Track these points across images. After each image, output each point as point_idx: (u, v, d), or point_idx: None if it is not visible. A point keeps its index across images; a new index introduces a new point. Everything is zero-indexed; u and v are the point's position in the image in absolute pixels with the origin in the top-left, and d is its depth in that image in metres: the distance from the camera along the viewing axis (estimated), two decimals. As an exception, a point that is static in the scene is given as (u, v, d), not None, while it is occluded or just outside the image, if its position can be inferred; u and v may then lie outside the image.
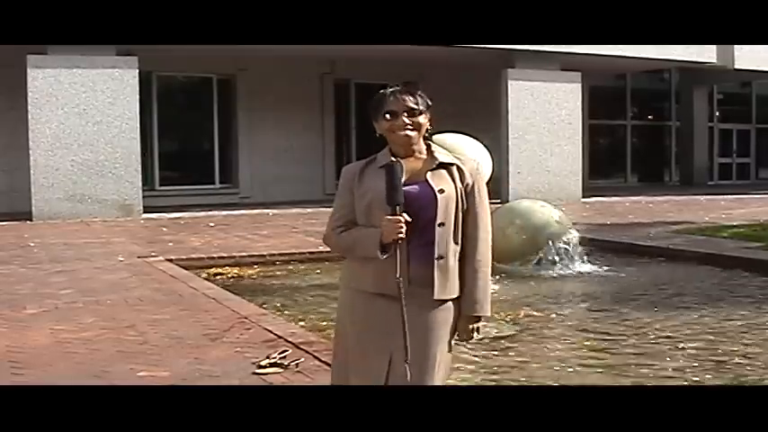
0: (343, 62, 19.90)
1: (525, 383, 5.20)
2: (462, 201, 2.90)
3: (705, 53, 21.03)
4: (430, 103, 2.93)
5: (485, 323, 2.99)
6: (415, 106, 2.87)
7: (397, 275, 2.75)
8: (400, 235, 2.75)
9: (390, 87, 2.95)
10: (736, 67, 22.68)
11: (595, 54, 17.65)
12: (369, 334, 2.86)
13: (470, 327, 2.96)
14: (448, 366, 2.96)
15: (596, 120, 25.20)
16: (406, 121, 2.86)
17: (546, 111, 19.53)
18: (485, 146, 8.55)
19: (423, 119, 2.90)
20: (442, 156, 2.94)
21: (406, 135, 2.87)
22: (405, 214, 2.77)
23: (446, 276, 2.87)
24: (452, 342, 2.97)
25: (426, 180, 2.88)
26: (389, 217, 2.76)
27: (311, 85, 20.87)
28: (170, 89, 20.34)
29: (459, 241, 2.91)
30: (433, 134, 3.01)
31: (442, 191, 2.86)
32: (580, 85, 20.17)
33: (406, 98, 2.88)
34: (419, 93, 2.92)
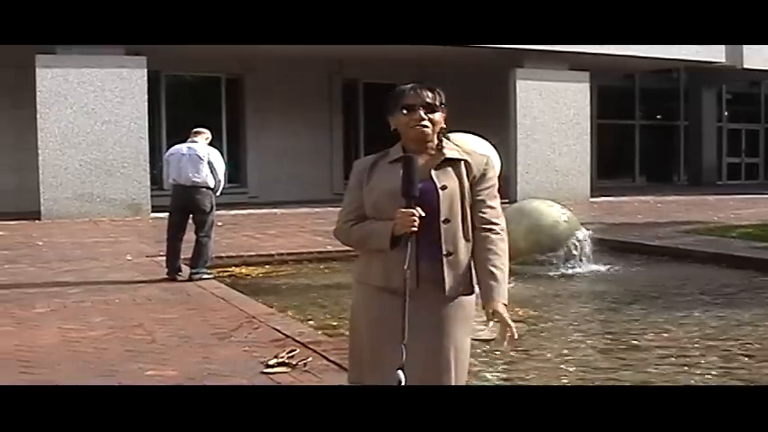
0: (351, 62, 19.90)
1: (529, 383, 5.19)
2: (468, 196, 2.89)
3: (714, 53, 20.96)
4: (444, 101, 2.94)
5: (497, 321, 2.89)
6: (433, 102, 2.89)
7: (405, 267, 2.74)
8: (413, 228, 2.76)
9: (410, 84, 2.96)
10: (745, 66, 22.62)
11: (604, 54, 17.60)
12: (380, 329, 2.85)
13: (502, 317, 2.84)
14: (465, 364, 2.93)
15: (605, 119, 25.15)
16: (423, 115, 2.87)
17: (554, 110, 19.51)
18: (493, 145, 8.52)
19: (438, 116, 2.91)
20: (450, 152, 2.93)
21: (422, 129, 2.88)
22: (418, 208, 2.77)
23: (457, 272, 2.86)
24: (469, 339, 2.94)
25: (431, 176, 2.87)
26: (403, 209, 2.76)
27: (320, 85, 20.88)
28: (178, 89, 20.38)
29: (470, 237, 2.89)
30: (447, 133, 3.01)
31: (444, 187, 2.86)
32: (588, 84, 20.14)
33: (425, 93, 2.90)
34: (437, 90, 2.94)
